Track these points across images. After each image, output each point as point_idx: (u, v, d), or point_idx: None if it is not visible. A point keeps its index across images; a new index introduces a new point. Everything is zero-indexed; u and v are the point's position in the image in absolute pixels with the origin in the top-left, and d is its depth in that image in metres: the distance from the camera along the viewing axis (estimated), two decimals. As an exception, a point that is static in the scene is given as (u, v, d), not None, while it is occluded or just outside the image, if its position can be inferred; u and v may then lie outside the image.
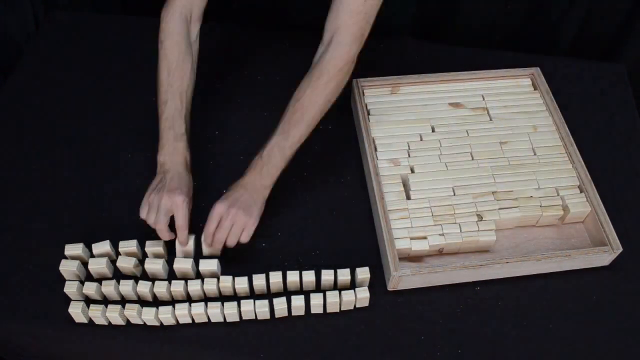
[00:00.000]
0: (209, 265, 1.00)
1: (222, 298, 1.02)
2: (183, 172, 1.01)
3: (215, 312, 0.97)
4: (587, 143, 1.20)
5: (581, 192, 1.10)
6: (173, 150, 1.01)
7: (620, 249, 1.03)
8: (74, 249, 1.02)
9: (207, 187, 1.14)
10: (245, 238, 0.99)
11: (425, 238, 1.04)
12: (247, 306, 0.97)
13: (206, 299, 1.01)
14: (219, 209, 0.98)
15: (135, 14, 1.55)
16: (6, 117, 1.25)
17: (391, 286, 1.03)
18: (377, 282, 1.04)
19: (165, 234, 0.99)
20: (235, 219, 0.97)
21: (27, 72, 1.32)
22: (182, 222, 0.98)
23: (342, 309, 1.01)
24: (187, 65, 1.05)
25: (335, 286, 1.02)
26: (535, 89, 1.27)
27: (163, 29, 1.05)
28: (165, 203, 0.96)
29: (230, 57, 1.35)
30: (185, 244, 1.01)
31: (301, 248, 1.07)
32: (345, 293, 0.99)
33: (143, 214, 0.99)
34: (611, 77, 1.37)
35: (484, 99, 1.24)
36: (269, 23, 1.46)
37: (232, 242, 0.99)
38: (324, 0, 1.30)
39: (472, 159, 1.14)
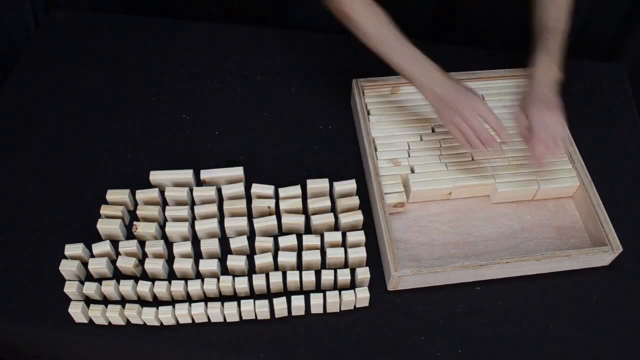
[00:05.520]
0: (209, 265, 1.00)
1: (222, 298, 1.02)
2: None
3: (215, 312, 0.97)
4: (587, 143, 1.20)
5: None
6: (422, 60, 1.06)
7: (620, 249, 1.03)
8: (74, 249, 1.02)
9: (207, 187, 1.14)
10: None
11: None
12: (247, 306, 0.97)
13: (206, 299, 1.01)
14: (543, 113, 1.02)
15: (135, 14, 1.55)
16: (6, 117, 1.24)
17: (391, 286, 1.03)
18: (377, 282, 1.04)
19: (493, 141, 1.02)
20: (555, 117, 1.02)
21: (27, 72, 1.32)
22: (498, 123, 1.02)
23: (342, 309, 1.01)
24: (380, 13, 1.05)
25: (335, 286, 1.02)
26: (535, 89, 1.27)
27: (343, 2, 1.03)
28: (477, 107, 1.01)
29: (230, 57, 1.35)
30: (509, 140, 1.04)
31: (301, 250, 1.07)
32: (345, 293, 0.99)
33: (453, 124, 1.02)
34: (611, 77, 1.37)
35: (484, 99, 1.24)
36: (269, 23, 1.46)
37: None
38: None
39: (472, 159, 1.14)
